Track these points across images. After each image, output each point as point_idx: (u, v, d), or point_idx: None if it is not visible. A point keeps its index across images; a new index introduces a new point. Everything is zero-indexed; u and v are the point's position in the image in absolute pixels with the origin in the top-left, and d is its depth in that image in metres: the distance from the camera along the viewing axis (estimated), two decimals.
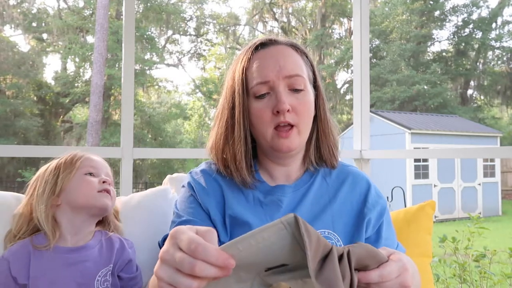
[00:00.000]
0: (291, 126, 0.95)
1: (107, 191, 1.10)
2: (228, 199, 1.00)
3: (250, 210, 0.98)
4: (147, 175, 18.14)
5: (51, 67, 40.61)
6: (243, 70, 0.99)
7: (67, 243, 1.04)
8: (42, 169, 1.12)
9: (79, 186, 1.07)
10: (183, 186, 1.06)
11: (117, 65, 16.32)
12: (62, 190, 1.06)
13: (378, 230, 1.02)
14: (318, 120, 1.04)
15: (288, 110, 0.94)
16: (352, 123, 2.31)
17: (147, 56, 19.16)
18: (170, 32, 20.72)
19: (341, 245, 0.95)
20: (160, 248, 1.00)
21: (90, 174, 1.10)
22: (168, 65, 21.09)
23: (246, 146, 0.99)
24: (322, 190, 1.04)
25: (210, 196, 1.00)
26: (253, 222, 0.96)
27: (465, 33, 21.07)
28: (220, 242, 0.98)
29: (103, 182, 1.10)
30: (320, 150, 1.05)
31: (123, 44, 1.86)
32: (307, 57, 1.04)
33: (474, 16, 20.82)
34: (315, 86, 1.04)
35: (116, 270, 1.06)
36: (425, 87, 19.17)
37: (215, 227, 0.97)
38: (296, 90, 0.97)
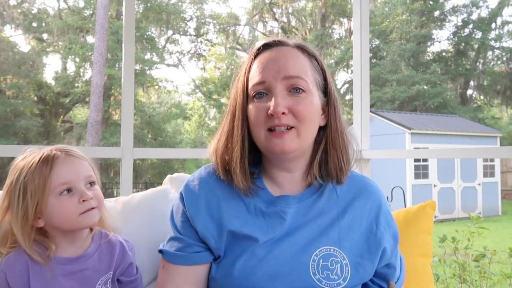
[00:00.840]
0: (290, 128, 0.91)
1: (91, 208, 0.97)
2: (226, 212, 0.96)
3: (251, 222, 0.95)
4: (147, 175, 18.14)
5: (51, 67, 40.64)
6: (245, 72, 0.97)
7: (65, 253, 0.99)
8: (12, 180, 0.97)
9: (57, 212, 0.95)
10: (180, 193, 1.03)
11: (117, 65, 16.31)
12: (38, 213, 0.95)
13: (394, 258, 1.02)
14: (327, 129, 0.98)
15: (283, 113, 0.89)
16: (352, 123, 2.31)
17: (147, 56, 19.16)
18: (170, 32, 20.73)
19: (346, 264, 0.92)
20: (161, 254, 0.99)
21: (67, 190, 0.96)
22: (168, 65, 21.10)
23: (243, 150, 0.95)
24: (331, 203, 0.99)
25: (201, 211, 0.97)
26: (255, 236, 0.93)
27: (465, 33, 21.08)
28: (212, 252, 0.96)
29: (83, 200, 0.96)
30: (327, 162, 0.98)
31: (123, 44, 1.86)
32: (317, 60, 0.98)
33: (474, 16, 20.85)
34: (326, 92, 0.98)
35: (116, 276, 1.03)
36: (425, 87, 19.18)
37: (203, 242, 0.96)
38: (296, 92, 0.92)
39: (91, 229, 1.05)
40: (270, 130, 0.92)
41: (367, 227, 0.98)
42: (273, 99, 0.90)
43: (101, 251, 1.02)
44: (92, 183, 1.01)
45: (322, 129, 0.99)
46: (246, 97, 0.96)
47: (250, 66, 0.97)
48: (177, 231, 0.99)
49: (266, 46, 0.97)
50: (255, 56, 0.97)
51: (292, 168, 0.99)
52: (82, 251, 1.01)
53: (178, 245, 0.97)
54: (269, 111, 0.89)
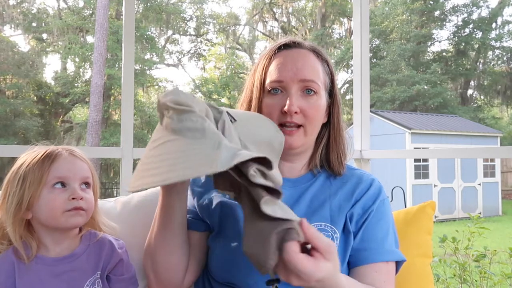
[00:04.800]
0: (298, 126, 1.01)
1: (78, 209, 0.97)
2: None
3: None
4: None
5: (51, 67, 40.69)
6: (263, 68, 1.05)
7: (51, 253, 0.98)
8: (13, 170, 1.00)
9: (45, 205, 0.95)
10: None
11: (117, 65, 16.32)
12: (30, 204, 0.95)
13: (360, 227, 1.02)
14: (330, 126, 1.09)
15: (296, 112, 0.99)
16: (352, 123, 2.31)
17: (147, 56, 19.16)
18: (170, 32, 20.74)
19: (337, 237, 0.99)
20: None
21: (61, 183, 0.97)
22: (168, 65, 21.11)
23: None
24: (324, 188, 1.06)
25: (201, 187, 1.08)
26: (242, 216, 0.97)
27: (465, 33, 21.08)
28: (205, 226, 1.06)
29: (73, 198, 0.96)
30: (329, 156, 1.09)
31: (123, 44, 1.86)
32: (328, 65, 1.08)
33: (474, 16, 20.84)
34: (332, 94, 1.08)
35: (105, 274, 1.01)
36: (425, 87, 19.18)
37: (199, 215, 1.06)
38: (308, 93, 1.01)
39: (80, 230, 1.04)
40: (281, 125, 1.01)
41: (353, 205, 1.05)
42: (288, 98, 0.99)
43: (89, 251, 1.01)
44: (87, 185, 1.01)
45: (323, 126, 1.09)
46: (263, 90, 1.05)
47: (269, 63, 1.05)
48: None
49: (285, 46, 1.06)
50: (274, 54, 1.06)
51: (294, 160, 1.08)
52: (70, 251, 0.99)
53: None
54: (284, 109, 0.99)
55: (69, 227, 0.98)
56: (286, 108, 0.98)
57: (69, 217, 0.96)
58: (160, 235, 0.98)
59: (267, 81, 1.03)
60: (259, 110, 1.04)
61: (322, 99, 1.04)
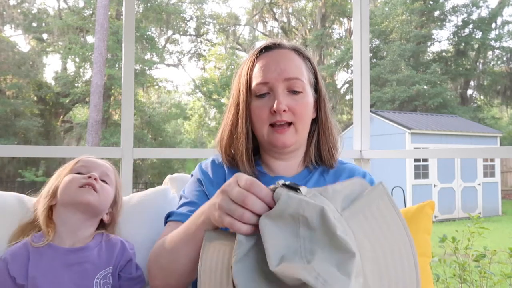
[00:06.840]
0: (289, 124, 1.02)
1: (91, 185, 1.06)
2: None
3: None
4: (147, 175, 18.13)
5: (51, 67, 40.54)
6: (247, 71, 1.07)
7: (65, 244, 1.03)
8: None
9: (65, 182, 1.07)
10: (191, 175, 1.15)
11: (117, 65, 16.31)
12: (56, 190, 1.08)
13: None
14: (319, 121, 1.11)
15: (284, 110, 1.01)
16: (352, 123, 2.32)
17: (147, 56, 19.15)
18: (170, 32, 20.72)
19: None
20: (169, 217, 1.06)
21: (79, 173, 1.10)
22: (168, 65, 21.09)
23: (247, 141, 1.06)
24: (319, 184, 1.09)
25: (214, 186, 1.07)
26: None
27: (465, 33, 21.07)
28: None
29: (89, 177, 1.07)
30: (320, 150, 1.11)
31: (123, 44, 1.86)
32: (310, 62, 1.10)
33: (474, 16, 20.84)
34: (317, 90, 1.10)
35: (117, 271, 1.05)
36: (425, 87, 19.17)
37: None
38: (294, 92, 1.03)
39: (100, 226, 1.12)
40: (272, 125, 1.03)
41: None
42: (275, 97, 1.02)
43: (101, 247, 1.06)
44: (105, 182, 1.11)
45: (313, 122, 1.11)
46: (249, 94, 1.06)
47: (253, 66, 1.07)
48: (190, 197, 1.08)
49: (266, 48, 1.08)
50: (257, 57, 1.08)
51: (288, 158, 1.11)
52: (83, 244, 1.05)
53: (190, 208, 1.03)
54: (273, 108, 1.01)
55: (81, 202, 1.04)
56: (274, 107, 1.00)
57: (82, 192, 1.04)
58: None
59: (253, 84, 1.04)
60: (248, 113, 1.05)
61: (309, 96, 1.06)
